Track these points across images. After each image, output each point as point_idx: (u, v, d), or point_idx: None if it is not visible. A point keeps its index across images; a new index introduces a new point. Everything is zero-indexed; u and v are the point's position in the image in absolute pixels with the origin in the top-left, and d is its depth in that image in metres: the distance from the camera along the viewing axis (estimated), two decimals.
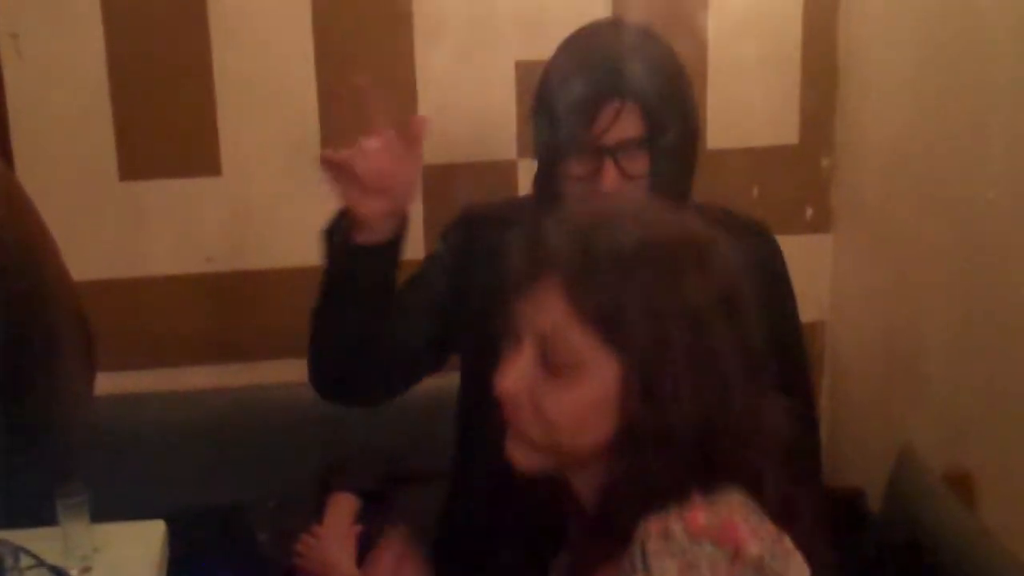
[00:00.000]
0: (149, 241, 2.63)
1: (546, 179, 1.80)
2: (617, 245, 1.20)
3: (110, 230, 2.61)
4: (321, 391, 1.87)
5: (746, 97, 2.68)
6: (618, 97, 1.71)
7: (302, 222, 2.56)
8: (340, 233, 1.73)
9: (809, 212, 2.78)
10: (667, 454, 1.18)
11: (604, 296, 1.19)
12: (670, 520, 1.14)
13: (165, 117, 2.58)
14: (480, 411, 1.86)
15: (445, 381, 1.95)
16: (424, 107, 2.58)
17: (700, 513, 1.14)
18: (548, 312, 1.21)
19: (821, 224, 2.76)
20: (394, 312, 1.79)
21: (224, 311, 2.68)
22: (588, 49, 1.79)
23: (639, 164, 1.74)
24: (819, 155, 2.75)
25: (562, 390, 1.22)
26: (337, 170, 1.66)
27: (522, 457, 1.27)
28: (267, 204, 2.62)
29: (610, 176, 1.73)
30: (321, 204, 1.71)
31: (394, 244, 1.74)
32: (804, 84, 2.69)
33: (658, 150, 1.73)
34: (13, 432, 1.87)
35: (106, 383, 2.25)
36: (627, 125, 1.72)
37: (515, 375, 1.24)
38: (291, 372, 2.54)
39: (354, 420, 2.32)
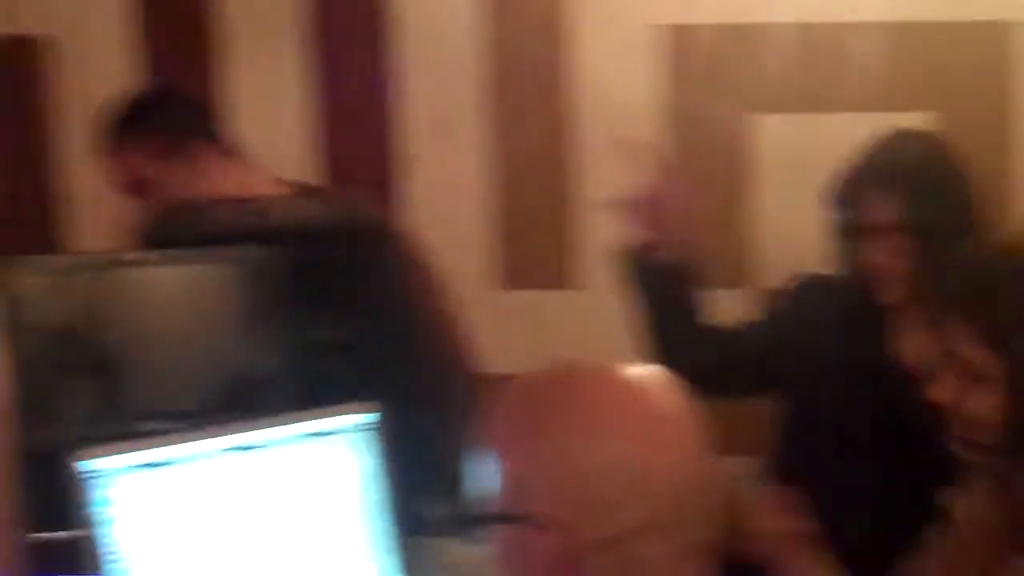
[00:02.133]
0: (519, 343, 2.92)
1: (839, 256, 2.19)
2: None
3: (489, 331, 2.92)
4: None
5: None
6: (879, 185, 2.09)
7: None
8: (638, 258, 2.20)
9: None
10: None
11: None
12: None
13: (540, 236, 2.92)
14: (801, 447, 2.20)
15: None
16: None
17: None
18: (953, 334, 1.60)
19: None
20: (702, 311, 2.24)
21: None
22: (869, 151, 2.17)
23: (899, 243, 2.08)
24: None
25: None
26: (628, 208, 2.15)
27: None
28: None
29: (876, 252, 2.10)
30: None
31: (688, 263, 2.20)
32: None
33: (918, 232, 2.06)
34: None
35: None
36: (885, 209, 2.07)
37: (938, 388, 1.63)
38: None
39: None
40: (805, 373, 2.25)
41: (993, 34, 2.80)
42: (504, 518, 1.15)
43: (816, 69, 2.87)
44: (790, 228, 2.83)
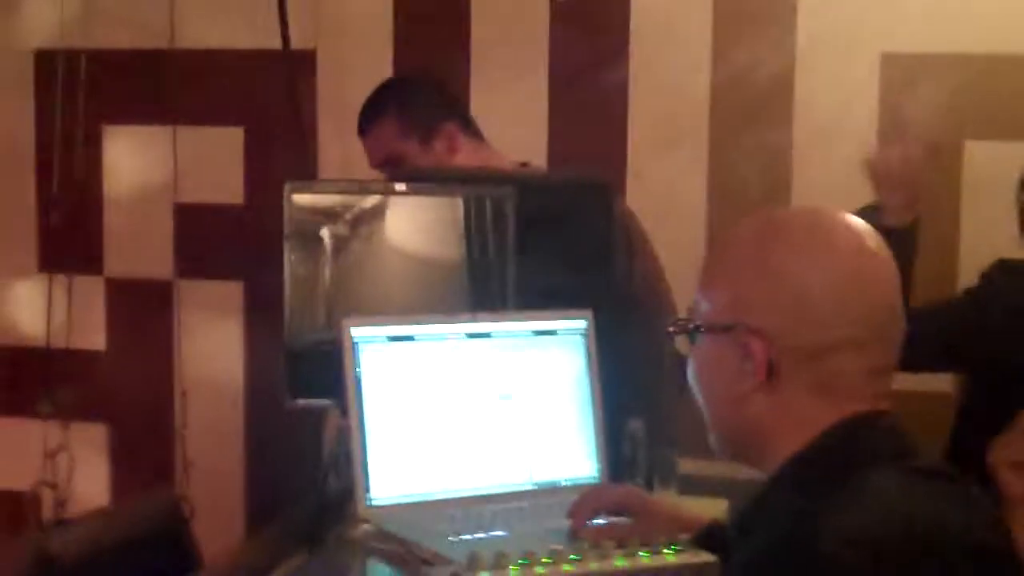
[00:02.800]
0: None
1: None
2: None
3: None
4: None
5: None
6: None
7: None
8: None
9: None
10: None
11: None
12: None
13: None
14: (982, 426, 2.30)
15: None
16: None
17: None
18: None
19: None
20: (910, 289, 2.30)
21: None
22: None
23: None
24: None
25: None
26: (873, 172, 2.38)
27: None
28: None
29: None
30: None
31: (910, 230, 2.37)
32: None
33: None
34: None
35: None
36: None
37: None
38: None
39: None
40: (993, 352, 2.40)
41: None
42: (718, 327, 1.36)
43: None
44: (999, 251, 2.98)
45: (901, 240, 2.32)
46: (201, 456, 3.44)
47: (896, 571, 1.16)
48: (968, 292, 2.53)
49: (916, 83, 3.06)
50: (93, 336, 3.57)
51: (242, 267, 3.44)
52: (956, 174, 3.05)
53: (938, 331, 2.45)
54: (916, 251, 2.41)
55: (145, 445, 3.54)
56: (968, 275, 2.94)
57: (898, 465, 1.29)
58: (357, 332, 1.80)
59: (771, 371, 1.31)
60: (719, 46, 3.20)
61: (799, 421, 1.32)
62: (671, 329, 1.43)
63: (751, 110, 3.19)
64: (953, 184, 3.05)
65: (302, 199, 2.01)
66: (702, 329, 1.39)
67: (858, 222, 1.37)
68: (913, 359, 2.37)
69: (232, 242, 3.44)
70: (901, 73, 3.08)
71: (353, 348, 1.79)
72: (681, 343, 1.43)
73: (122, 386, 3.50)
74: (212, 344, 3.50)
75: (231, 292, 3.49)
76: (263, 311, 3.20)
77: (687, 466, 2.33)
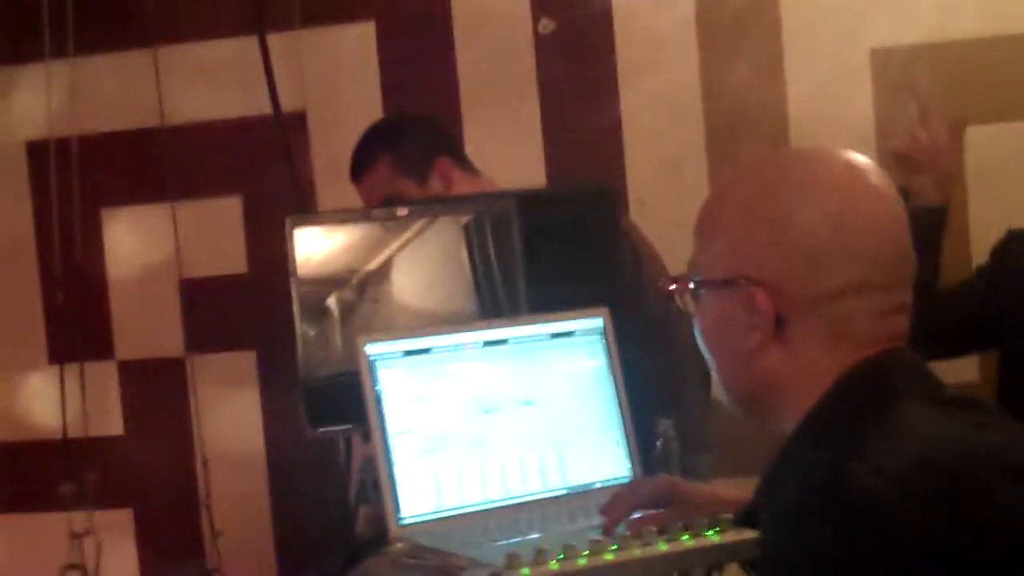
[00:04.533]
0: None
1: None
2: None
3: None
4: None
5: None
6: None
7: None
8: None
9: None
10: None
11: None
12: None
13: None
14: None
15: None
16: None
17: None
18: None
19: None
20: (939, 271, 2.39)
21: None
22: None
23: None
24: None
25: None
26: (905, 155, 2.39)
27: None
28: None
29: None
30: None
31: (941, 211, 2.40)
32: None
33: None
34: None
35: None
36: None
37: None
38: None
39: None
40: (1016, 322, 2.36)
41: None
42: (719, 282, 1.31)
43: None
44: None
45: (932, 221, 2.37)
46: (229, 525, 3.38)
47: (934, 497, 1.12)
48: (981, 268, 2.50)
49: (908, 75, 3.04)
50: (110, 422, 3.54)
51: (253, 335, 3.41)
52: (960, 160, 3.02)
53: (960, 313, 2.44)
54: (945, 233, 2.42)
55: (171, 522, 3.49)
56: (981, 258, 2.92)
57: (924, 399, 1.24)
58: (372, 349, 1.76)
59: (779, 322, 1.26)
60: (706, 63, 3.18)
61: (813, 371, 1.27)
62: (671, 288, 1.38)
63: (745, 126, 3.16)
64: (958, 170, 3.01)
65: (307, 270, 1.97)
66: (703, 286, 1.33)
67: (859, 158, 1.31)
68: (941, 346, 2.36)
69: (240, 312, 3.42)
70: (892, 67, 3.06)
71: (370, 366, 1.75)
72: (685, 304, 1.37)
73: (143, 468, 3.45)
74: (230, 415, 3.46)
75: (244, 361, 3.46)
76: (278, 376, 3.17)
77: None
